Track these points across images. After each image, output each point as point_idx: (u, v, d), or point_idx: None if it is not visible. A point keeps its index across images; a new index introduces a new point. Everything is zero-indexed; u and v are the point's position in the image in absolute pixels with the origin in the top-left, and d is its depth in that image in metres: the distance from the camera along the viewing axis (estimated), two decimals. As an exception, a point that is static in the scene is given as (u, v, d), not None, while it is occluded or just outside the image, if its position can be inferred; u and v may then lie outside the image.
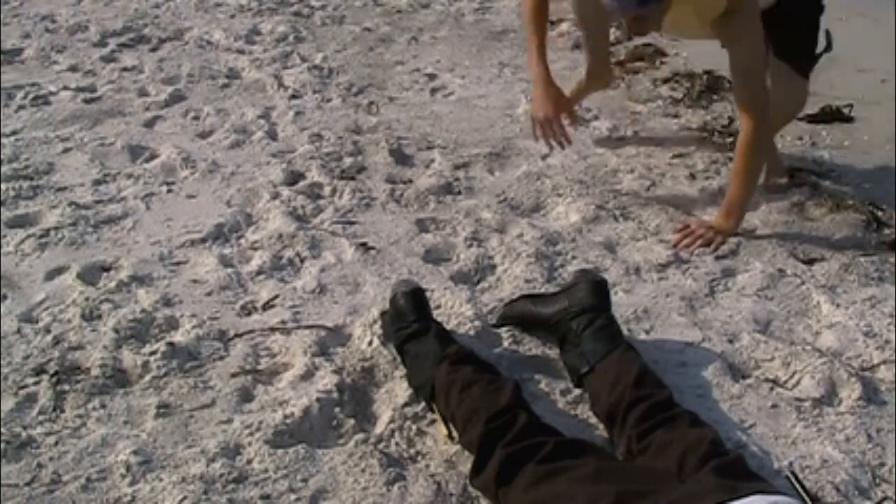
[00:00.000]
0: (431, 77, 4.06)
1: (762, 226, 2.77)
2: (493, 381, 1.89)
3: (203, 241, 2.64)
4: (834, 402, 2.04)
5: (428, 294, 2.25)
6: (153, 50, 4.28)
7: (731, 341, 2.24)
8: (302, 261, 2.55)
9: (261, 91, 3.82)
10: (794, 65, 2.86)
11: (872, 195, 3.02)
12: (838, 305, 2.39)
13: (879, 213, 2.84)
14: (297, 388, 2.04)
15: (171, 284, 2.43)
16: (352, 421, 1.94)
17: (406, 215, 2.80)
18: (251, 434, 1.88)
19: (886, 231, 2.76)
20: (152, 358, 2.11)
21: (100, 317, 2.27)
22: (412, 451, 1.87)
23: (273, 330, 2.25)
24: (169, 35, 4.47)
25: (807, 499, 1.72)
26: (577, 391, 2.03)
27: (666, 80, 4.02)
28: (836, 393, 2.07)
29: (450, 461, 1.84)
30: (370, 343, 2.18)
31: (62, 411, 1.96)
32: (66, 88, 3.73)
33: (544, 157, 3.20)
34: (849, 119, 3.66)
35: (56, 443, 1.87)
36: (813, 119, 3.65)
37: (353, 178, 3.04)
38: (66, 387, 2.02)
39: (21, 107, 3.56)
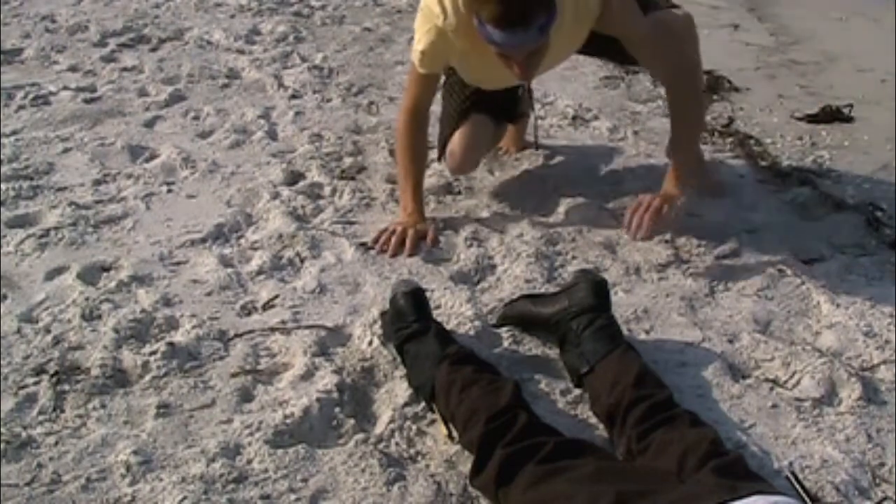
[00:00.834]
0: (431, 77, 4.06)
1: (762, 226, 2.77)
2: (493, 381, 1.89)
3: (203, 241, 2.64)
4: (834, 402, 2.04)
5: (428, 294, 2.25)
6: (153, 50, 4.28)
7: (731, 341, 2.24)
8: (302, 261, 2.56)
9: (261, 91, 3.82)
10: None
11: (872, 195, 3.02)
12: (838, 305, 2.39)
13: (879, 213, 2.84)
14: (297, 388, 2.04)
15: (171, 284, 2.43)
16: (352, 421, 1.94)
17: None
18: (251, 434, 1.88)
19: (886, 231, 2.76)
20: (152, 358, 2.11)
21: (100, 317, 2.27)
22: (412, 451, 1.87)
23: (273, 330, 2.25)
24: (169, 35, 4.47)
25: (807, 499, 1.72)
26: (577, 391, 2.03)
27: (666, 80, 4.02)
28: (836, 393, 2.07)
29: (450, 461, 1.84)
30: (370, 343, 2.18)
31: (62, 411, 1.96)
32: (66, 88, 3.73)
33: (546, 157, 3.20)
34: (849, 119, 3.67)
35: (56, 443, 1.87)
36: (813, 119, 3.66)
37: (353, 178, 3.04)
38: (66, 387, 2.02)
39: (21, 107, 3.56)
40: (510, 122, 3.08)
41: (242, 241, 2.66)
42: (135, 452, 1.82)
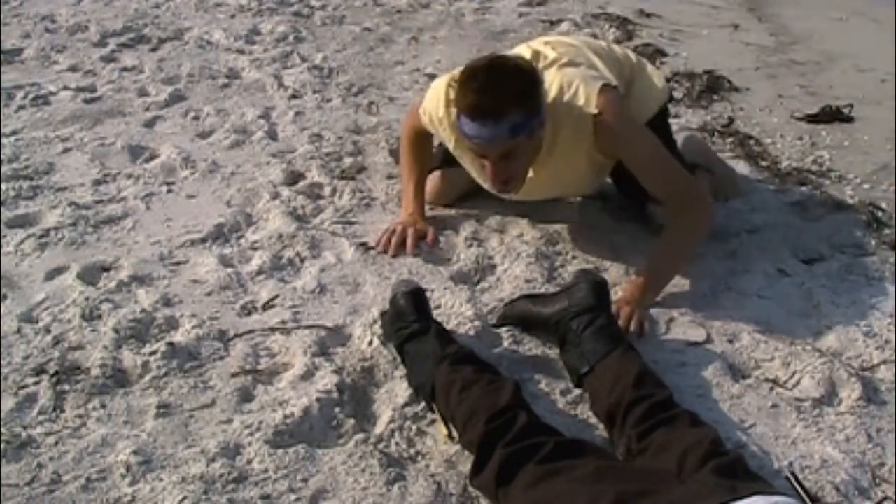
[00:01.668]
0: (431, 77, 4.04)
1: (762, 226, 2.76)
2: (493, 381, 1.89)
3: (203, 241, 2.64)
4: (834, 402, 2.04)
5: (428, 294, 2.25)
6: (153, 50, 4.28)
7: (731, 341, 2.24)
8: (302, 261, 2.55)
9: (261, 91, 3.82)
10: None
11: (872, 195, 3.02)
12: (838, 305, 2.39)
13: (879, 213, 2.85)
14: (297, 388, 2.04)
15: (171, 284, 2.43)
16: (352, 421, 1.94)
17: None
18: (251, 434, 1.88)
19: (886, 231, 2.76)
20: (152, 358, 2.11)
21: (100, 317, 2.27)
22: (412, 451, 1.87)
23: (273, 330, 2.25)
24: (169, 35, 4.47)
25: (807, 499, 1.73)
26: (577, 391, 2.03)
27: (666, 81, 4.02)
28: (836, 393, 2.07)
29: (450, 461, 1.84)
30: (370, 343, 2.18)
31: (62, 411, 1.96)
32: (66, 88, 3.73)
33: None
34: (849, 119, 3.67)
35: (56, 443, 1.87)
36: (813, 119, 3.66)
37: (353, 178, 3.03)
38: (66, 387, 2.02)
39: (21, 107, 3.56)
40: None
41: (242, 241, 2.66)
42: (135, 452, 1.82)
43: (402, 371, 2.08)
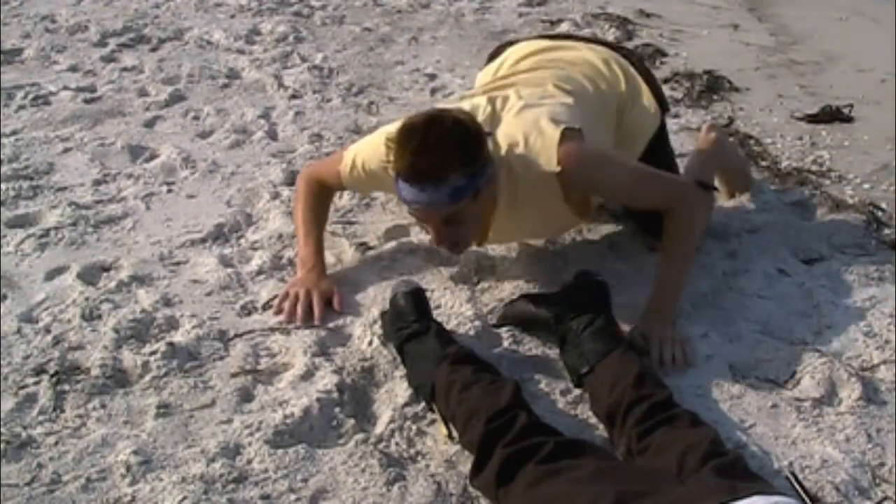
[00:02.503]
0: (431, 77, 4.06)
1: (762, 226, 2.76)
2: (493, 381, 1.89)
3: (203, 241, 2.64)
4: (834, 402, 2.04)
5: (428, 294, 2.25)
6: (153, 50, 4.28)
7: (731, 341, 2.24)
8: (302, 261, 2.55)
9: (261, 91, 3.82)
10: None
11: (872, 195, 3.02)
12: (838, 305, 2.39)
13: (879, 213, 2.85)
14: (297, 388, 2.04)
15: (171, 284, 2.43)
16: (352, 421, 1.94)
17: (406, 215, 2.79)
18: (251, 434, 1.88)
19: (886, 231, 2.76)
20: (152, 358, 2.11)
21: (100, 317, 2.27)
22: (412, 451, 1.87)
23: (273, 330, 2.25)
24: (169, 35, 4.47)
25: (807, 499, 1.72)
26: (577, 391, 2.03)
27: (666, 80, 4.02)
28: (836, 393, 2.07)
29: (450, 461, 1.84)
30: (370, 343, 2.18)
31: (62, 411, 1.96)
32: (66, 88, 3.73)
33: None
34: (849, 119, 3.67)
35: (56, 443, 1.87)
36: (813, 119, 3.66)
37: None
38: (66, 387, 2.02)
39: (21, 107, 3.56)
40: None
41: (242, 241, 2.66)
42: (135, 452, 1.82)
43: (402, 371, 2.08)
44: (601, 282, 2.18)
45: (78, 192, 2.92)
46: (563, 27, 4.74)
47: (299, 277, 2.37)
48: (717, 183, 2.80)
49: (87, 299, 2.32)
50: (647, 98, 2.52)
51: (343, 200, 2.88)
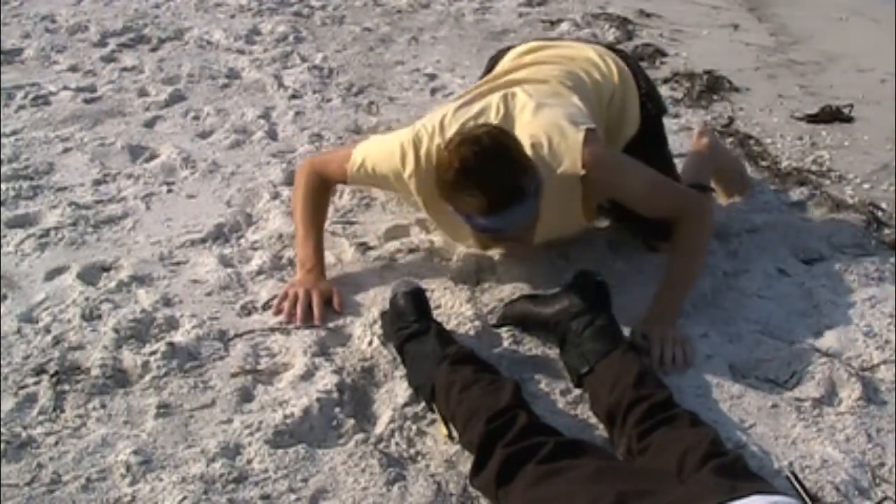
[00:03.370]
0: (431, 77, 4.06)
1: (762, 226, 2.76)
2: (493, 381, 1.89)
3: (203, 241, 2.64)
4: (834, 402, 2.04)
5: (428, 294, 2.25)
6: (153, 50, 4.28)
7: (731, 341, 2.24)
8: (302, 261, 2.55)
9: (261, 91, 3.82)
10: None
11: (872, 195, 3.02)
12: (838, 305, 2.38)
13: (879, 213, 2.85)
14: (297, 388, 2.04)
15: (171, 284, 2.43)
16: (352, 421, 1.94)
17: (406, 215, 2.79)
18: (251, 434, 1.88)
19: (886, 231, 2.76)
20: (152, 358, 2.11)
21: (100, 317, 2.27)
22: (412, 451, 1.88)
23: (273, 330, 2.25)
24: (169, 35, 4.47)
25: (807, 499, 1.73)
26: (577, 391, 2.03)
27: (666, 80, 4.02)
28: (836, 393, 2.07)
29: (450, 461, 1.84)
30: (370, 343, 2.18)
31: (62, 411, 1.96)
32: (66, 88, 3.73)
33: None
34: (849, 119, 3.67)
35: (56, 443, 1.87)
36: (813, 119, 3.66)
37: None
38: (66, 387, 2.02)
39: (21, 107, 3.56)
40: None
41: (242, 241, 2.66)
42: (135, 452, 1.82)
43: (402, 371, 2.08)
44: (601, 282, 2.18)
45: (78, 192, 2.92)
46: (563, 27, 4.74)
47: (298, 278, 2.37)
48: (713, 186, 2.81)
49: (87, 299, 2.32)
50: (634, 97, 2.52)
51: (343, 200, 2.88)
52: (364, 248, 2.61)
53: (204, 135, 3.39)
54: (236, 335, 2.22)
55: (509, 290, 2.40)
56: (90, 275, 2.46)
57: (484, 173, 2.03)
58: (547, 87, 2.35)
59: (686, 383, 2.07)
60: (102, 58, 4.13)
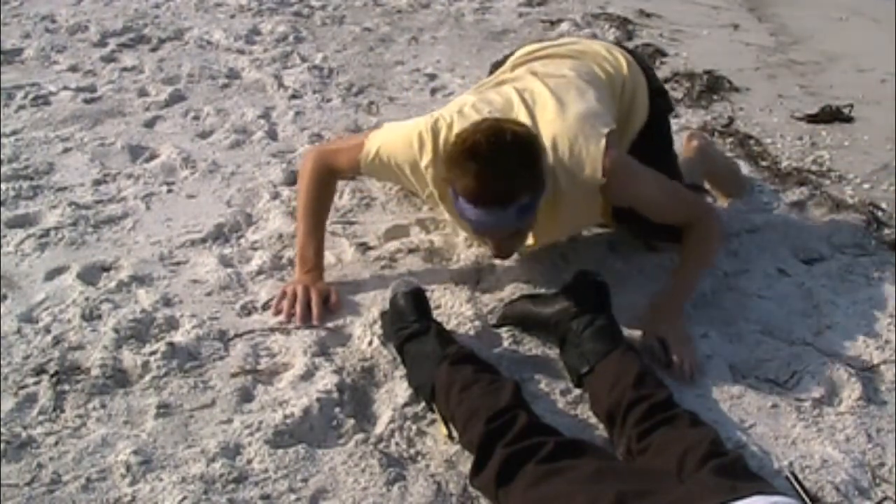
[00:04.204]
0: (431, 77, 4.06)
1: (762, 226, 2.77)
2: (493, 381, 1.89)
3: (203, 241, 2.64)
4: (834, 402, 2.05)
5: (428, 294, 2.25)
6: (153, 50, 4.28)
7: (731, 341, 2.24)
8: (302, 261, 2.55)
9: (261, 91, 3.82)
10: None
11: (872, 195, 3.02)
12: (838, 305, 2.39)
13: (879, 213, 2.85)
14: (297, 388, 2.04)
15: (171, 284, 2.43)
16: (352, 421, 1.94)
17: (406, 215, 2.80)
18: (251, 434, 1.88)
19: (886, 231, 2.77)
20: (152, 358, 2.11)
21: (100, 317, 2.27)
22: (412, 451, 1.88)
23: (273, 330, 2.25)
24: (169, 35, 4.47)
25: (807, 499, 1.73)
26: (577, 391, 2.03)
27: (666, 80, 4.01)
28: (836, 393, 2.07)
29: (450, 461, 1.84)
30: (370, 343, 2.18)
31: (62, 411, 1.96)
32: (66, 88, 3.72)
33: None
34: (849, 119, 3.67)
35: (56, 443, 1.87)
36: (813, 119, 3.66)
37: (353, 179, 3.03)
38: (66, 387, 2.02)
39: (21, 107, 3.55)
40: None
41: (242, 241, 2.66)
42: (135, 452, 1.82)
43: (402, 371, 2.08)
44: (601, 282, 2.18)
45: (78, 192, 2.92)
46: (563, 27, 4.74)
47: (297, 277, 2.37)
48: (706, 187, 2.81)
49: (87, 299, 2.32)
50: (643, 88, 2.52)
51: (343, 200, 2.88)
52: (364, 248, 2.61)
53: (204, 135, 3.39)
54: (236, 335, 2.22)
55: (509, 290, 2.40)
56: (90, 275, 2.46)
57: (490, 158, 1.97)
58: (565, 82, 2.32)
59: (686, 383, 2.07)
60: (102, 58, 4.13)
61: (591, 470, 1.61)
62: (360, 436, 1.90)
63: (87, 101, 3.62)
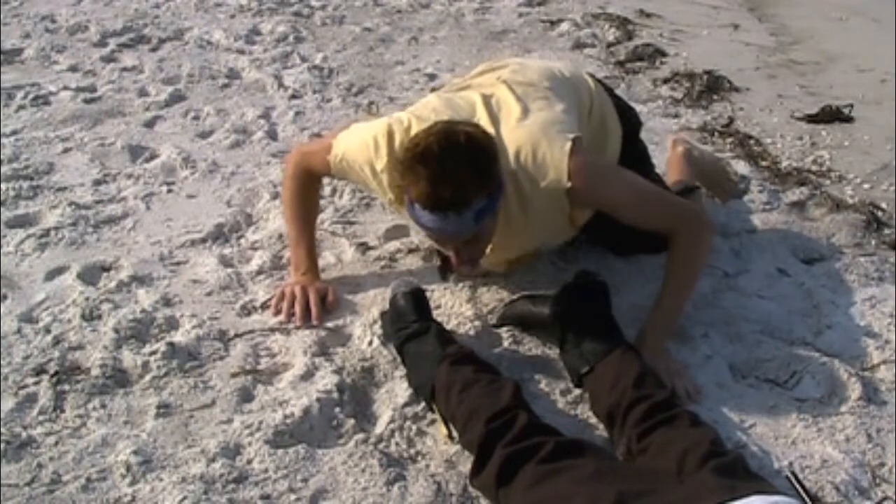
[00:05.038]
0: (431, 77, 4.06)
1: (762, 226, 2.77)
2: (493, 381, 1.89)
3: (203, 241, 2.64)
4: (834, 402, 2.04)
5: (428, 294, 2.25)
6: (153, 50, 4.28)
7: (731, 341, 2.24)
8: (302, 261, 2.55)
9: (261, 91, 3.82)
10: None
11: (872, 195, 3.02)
12: (838, 305, 2.39)
13: (879, 213, 2.85)
14: (297, 388, 2.04)
15: (171, 284, 2.43)
16: (352, 421, 1.94)
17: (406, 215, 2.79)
18: (251, 434, 1.88)
19: (886, 231, 2.77)
20: (152, 358, 2.11)
21: (100, 317, 2.27)
22: (412, 451, 1.88)
23: (273, 330, 2.25)
24: (169, 35, 4.47)
25: (807, 499, 1.72)
26: (577, 391, 2.03)
27: (666, 80, 4.02)
28: (836, 393, 2.07)
29: (450, 461, 1.84)
30: (370, 343, 2.18)
31: (62, 411, 1.96)
32: (66, 88, 3.72)
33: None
34: (849, 119, 3.67)
35: (56, 443, 1.87)
36: (813, 119, 3.66)
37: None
38: (66, 387, 2.02)
39: (21, 107, 3.56)
40: None
41: (242, 241, 2.66)
42: (135, 452, 1.83)
43: (402, 371, 2.08)
44: (601, 282, 2.18)
45: (78, 192, 2.92)
46: (563, 27, 4.73)
47: (293, 279, 2.38)
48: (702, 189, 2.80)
49: (87, 299, 2.32)
50: (611, 109, 2.44)
51: (343, 200, 2.88)
52: (364, 248, 2.61)
53: (204, 135, 3.39)
54: (236, 335, 2.22)
55: (509, 290, 2.40)
56: (90, 275, 2.46)
57: (443, 161, 1.88)
58: (533, 90, 2.24)
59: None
60: (102, 58, 4.13)
61: (591, 470, 1.61)
62: (360, 436, 1.90)
63: (87, 101, 3.62)
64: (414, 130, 2.08)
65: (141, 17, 4.72)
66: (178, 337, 2.20)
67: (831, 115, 3.66)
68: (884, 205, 2.92)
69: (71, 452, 1.84)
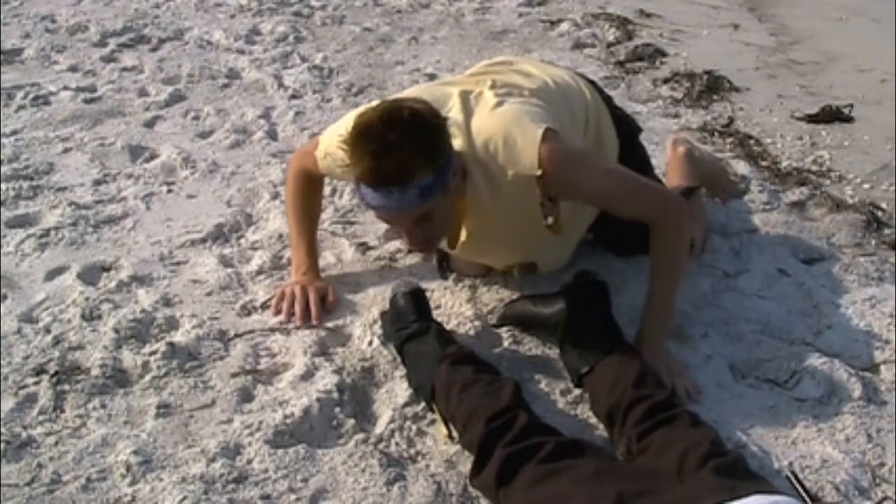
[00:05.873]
0: (431, 77, 4.05)
1: (762, 226, 2.77)
2: (493, 381, 1.89)
3: (203, 241, 2.64)
4: (834, 402, 2.04)
5: (428, 294, 2.25)
6: (153, 50, 4.28)
7: (731, 341, 2.24)
8: (302, 261, 2.55)
9: (261, 91, 3.82)
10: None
11: (872, 195, 3.02)
12: (838, 305, 2.39)
13: (879, 213, 2.85)
14: (297, 388, 2.04)
15: (171, 284, 2.43)
16: (352, 421, 1.94)
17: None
18: (251, 434, 1.89)
19: (886, 231, 2.77)
20: (152, 358, 2.11)
21: (100, 317, 2.27)
22: (412, 451, 1.88)
23: (273, 330, 2.25)
24: (169, 35, 4.47)
25: (807, 499, 1.72)
26: (577, 391, 2.03)
27: (666, 80, 4.02)
28: (836, 393, 2.07)
29: (450, 461, 1.84)
30: (370, 343, 2.18)
31: (62, 411, 1.96)
32: (66, 88, 3.73)
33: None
34: (849, 119, 3.67)
35: (56, 443, 1.87)
36: (813, 119, 3.66)
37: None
38: (66, 387, 2.02)
39: (21, 107, 3.56)
40: None
41: (242, 241, 2.66)
42: (135, 452, 1.83)
43: (402, 371, 2.08)
44: (601, 282, 2.18)
45: (78, 192, 2.92)
46: (563, 27, 4.73)
47: (293, 279, 2.38)
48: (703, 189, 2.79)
49: (87, 299, 2.32)
50: (607, 117, 2.41)
51: (343, 200, 2.88)
52: (364, 248, 2.61)
53: (204, 135, 3.39)
54: (236, 335, 2.22)
55: (509, 290, 2.40)
56: (90, 275, 2.46)
57: (382, 137, 1.82)
58: (517, 91, 2.18)
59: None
60: (102, 58, 4.13)
61: (591, 470, 1.61)
62: (360, 436, 1.90)
63: (87, 101, 3.62)
64: None
65: (141, 17, 4.72)
66: (178, 337, 2.20)
67: (831, 115, 3.67)
68: (884, 205, 2.92)
69: (71, 452, 1.84)
